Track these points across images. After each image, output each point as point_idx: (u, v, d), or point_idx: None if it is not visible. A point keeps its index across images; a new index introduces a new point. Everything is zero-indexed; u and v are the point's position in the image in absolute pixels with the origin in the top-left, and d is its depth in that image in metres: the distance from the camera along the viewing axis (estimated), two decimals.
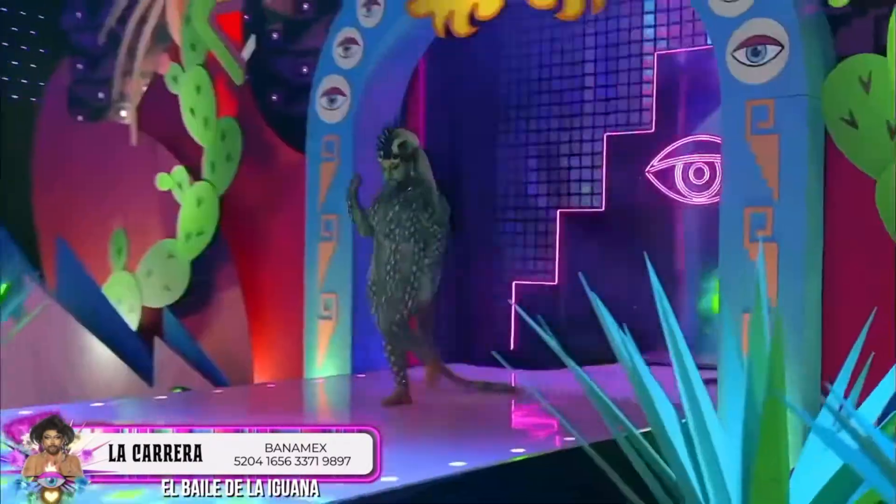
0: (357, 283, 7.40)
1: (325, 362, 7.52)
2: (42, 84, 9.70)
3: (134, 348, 7.86)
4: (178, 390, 7.34)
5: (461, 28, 6.87)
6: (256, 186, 8.11)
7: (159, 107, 8.62)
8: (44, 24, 9.74)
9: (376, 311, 6.08)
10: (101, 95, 9.43)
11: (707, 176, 8.16)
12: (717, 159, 7.47)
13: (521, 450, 4.77)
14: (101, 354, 7.75)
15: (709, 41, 5.95)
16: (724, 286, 5.82)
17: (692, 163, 8.32)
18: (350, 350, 7.41)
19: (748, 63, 5.69)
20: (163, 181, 8.24)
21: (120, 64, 8.82)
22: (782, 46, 5.58)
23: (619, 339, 3.31)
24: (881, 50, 5.28)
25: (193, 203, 8.08)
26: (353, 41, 7.41)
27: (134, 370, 7.72)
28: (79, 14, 9.57)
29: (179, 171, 8.18)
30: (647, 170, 8.48)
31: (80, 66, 9.57)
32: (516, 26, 8.48)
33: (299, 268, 7.73)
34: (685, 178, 8.35)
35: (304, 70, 8.07)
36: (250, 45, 7.91)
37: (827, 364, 5.55)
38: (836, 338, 5.46)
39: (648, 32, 8.35)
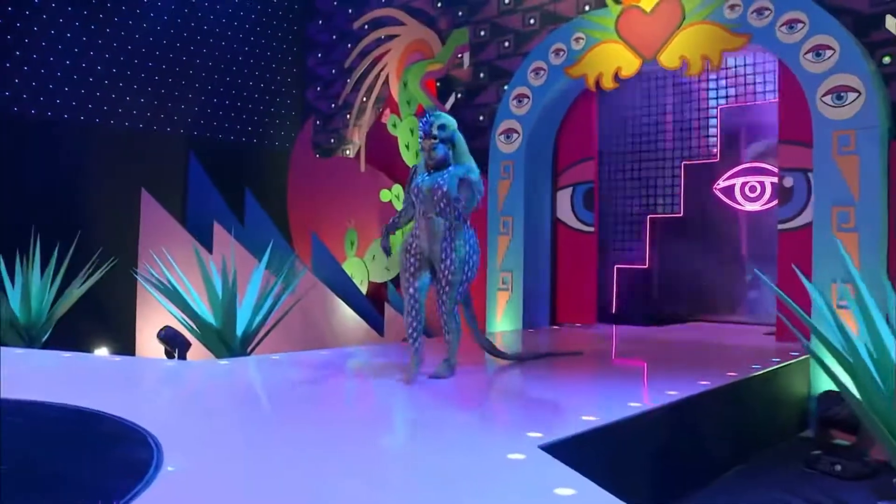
0: (526, 265, 7.64)
1: (502, 320, 7.75)
2: (293, 135, 10.12)
3: (368, 310, 8.10)
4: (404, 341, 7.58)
5: (608, 84, 7.04)
6: None
7: (376, 145, 8.95)
8: (294, 96, 10.18)
9: (416, 279, 4.40)
10: (332, 140, 9.83)
11: (758, 191, 8.27)
12: (766, 179, 7.58)
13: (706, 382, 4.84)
14: (346, 313, 8.00)
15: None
16: (816, 264, 5.85)
17: (747, 182, 8.45)
18: (521, 311, 7.62)
19: (833, 105, 5.79)
20: (384, 195, 8.50)
21: (351, 119, 9.18)
22: (860, 93, 5.67)
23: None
24: None
25: None
26: (524, 96, 7.64)
27: (369, 325, 7.97)
28: (318, 88, 10.02)
29: (397, 187, 8.43)
30: (714, 187, 8.63)
31: (318, 122, 9.98)
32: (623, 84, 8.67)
33: (481, 254, 7.93)
34: (742, 193, 8.48)
35: (481, 118, 8.34)
36: (451, 100, 8.17)
37: None
38: None
39: (712, 93, 8.49)
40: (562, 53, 7.35)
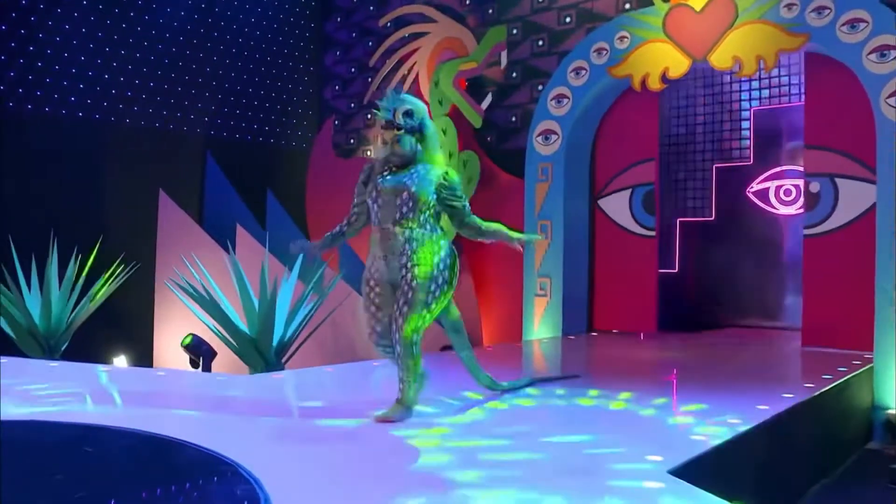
0: (565, 270, 7.47)
1: (540, 328, 7.57)
2: (311, 136, 9.87)
3: None
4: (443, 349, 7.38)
5: (654, 85, 6.88)
6: (478, 200, 8.16)
7: None
8: (311, 95, 9.94)
9: (381, 315, 3.51)
10: (351, 141, 9.61)
11: (794, 195, 8.18)
12: (800, 182, 7.51)
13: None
14: None
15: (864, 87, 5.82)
16: (879, 266, 5.72)
17: (782, 185, 8.35)
18: (561, 318, 7.45)
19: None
20: None
21: (373, 118, 8.94)
22: None
23: None
24: None
25: None
26: (564, 96, 7.46)
27: None
28: (336, 87, 9.80)
29: None
30: (747, 190, 8.53)
31: (337, 121, 9.75)
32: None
33: (515, 259, 7.77)
34: (777, 196, 8.40)
35: (513, 118, 8.16)
36: (488, 100, 7.97)
37: None
38: None
39: (745, 94, 8.39)
40: (604, 53, 7.19)
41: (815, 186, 6.64)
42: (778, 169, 8.35)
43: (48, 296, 6.90)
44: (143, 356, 8.34)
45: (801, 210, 7.34)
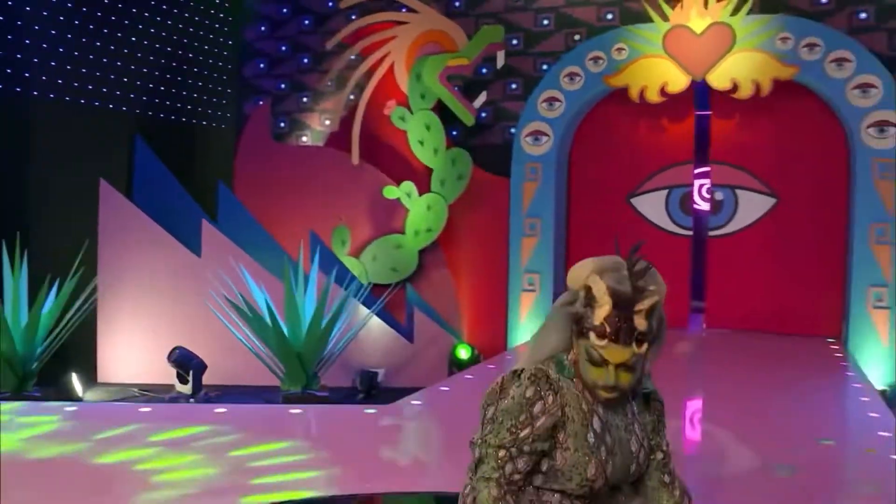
0: (556, 266, 7.96)
1: (526, 322, 8.00)
2: (230, 115, 9.12)
3: (387, 316, 7.74)
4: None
5: (652, 97, 7.54)
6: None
7: (369, 136, 8.51)
8: (230, 72, 9.15)
9: None
10: (282, 125, 9.12)
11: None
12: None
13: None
14: (371, 323, 7.47)
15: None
16: (856, 274, 6.99)
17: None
18: None
19: (875, 136, 6.94)
20: (389, 192, 8.13)
21: (337, 105, 8.59)
22: None
23: None
24: None
25: (423, 208, 8.10)
26: (555, 99, 7.85)
27: (398, 333, 7.69)
28: (262, 65, 9.16)
29: (407, 184, 8.10)
30: None
31: (261, 102, 9.14)
32: None
33: (497, 254, 8.10)
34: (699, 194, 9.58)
35: (483, 115, 8.36)
36: (482, 97, 8.06)
37: None
38: None
39: None
40: (601, 62, 7.70)
41: (719, 195, 7.92)
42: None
43: (33, 317, 5.91)
44: (87, 372, 7.38)
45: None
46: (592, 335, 1.89)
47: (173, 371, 6.99)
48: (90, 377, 7.42)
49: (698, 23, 7.37)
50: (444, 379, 6.94)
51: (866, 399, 5.18)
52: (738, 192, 7.93)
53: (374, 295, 7.56)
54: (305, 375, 6.30)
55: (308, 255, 7.06)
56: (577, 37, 8.02)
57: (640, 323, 1.87)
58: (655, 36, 7.50)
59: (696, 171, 9.31)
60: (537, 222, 7.95)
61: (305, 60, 9.06)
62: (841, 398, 5.50)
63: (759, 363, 6.39)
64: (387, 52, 8.28)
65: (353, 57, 8.45)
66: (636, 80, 7.56)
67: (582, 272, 1.98)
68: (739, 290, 7.84)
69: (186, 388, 6.85)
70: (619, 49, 7.64)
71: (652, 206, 8.00)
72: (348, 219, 8.48)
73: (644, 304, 1.88)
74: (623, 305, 1.88)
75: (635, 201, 8.01)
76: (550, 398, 1.92)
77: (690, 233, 8.00)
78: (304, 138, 9.06)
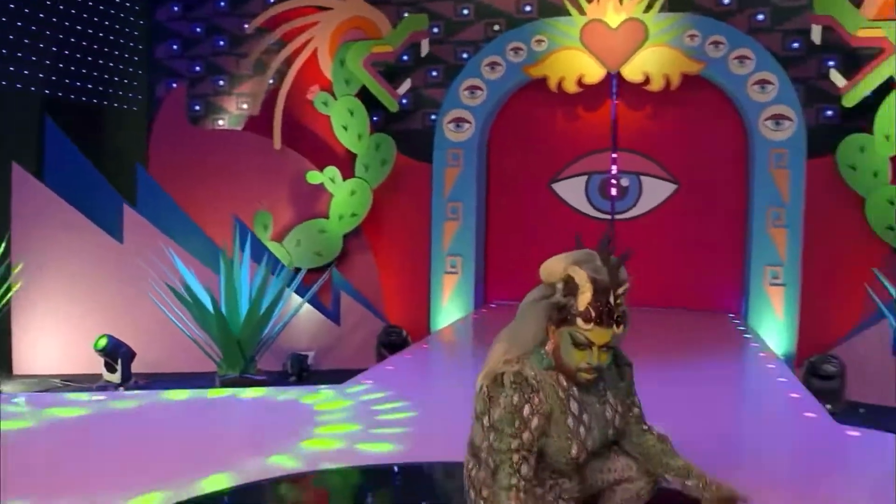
0: (477, 249, 8.26)
1: (448, 304, 8.28)
2: (140, 97, 8.89)
3: (314, 300, 7.80)
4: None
5: (570, 88, 7.92)
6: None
7: (289, 120, 8.52)
8: (141, 53, 8.91)
9: None
10: (196, 108, 8.98)
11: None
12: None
13: None
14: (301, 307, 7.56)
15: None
16: (754, 254, 7.63)
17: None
18: (472, 293, 8.25)
19: (772, 128, 7.57)
20: (313, 177, 8.18)
21: (257, 90, 8.54)
22: (793, 120, 7.53)
23: None
24: (870, 131, 7.33)
25: (347, 193, 8.19)
26: (477, 87, 8.12)
27: (325, 316, 7.78)
28: (175, 46, 8.98)
29: (331, 169, 8.17)
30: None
31: (174, 85, 8.96)
32: None
33: (419, 238, 8.32)
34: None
35: (404, 101, 8.53)
36: (406, 84, 8.19)
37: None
38: (812, 279, 7.65)
39: None
40: (521, 52, 8.02)
41: (625, 181, 8.45)
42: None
43: None
44: (1, 362, 7.12)
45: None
46: (579, 320, 2.15)
47: (98, 360, 6.88)
48: (5, 368, 7.18)
49: (614, 17, 7.80)
50: (372, 361, 7.13)
51: (772, 366, 5.74)
52: (643, 178, 8.45)
53: (304, 283, 7.65)
54: (244, 360, 6.33)
55: (234, 240, 7.08)
56: (496, 27, 8.30)
57: (618, 306, 2.16)
58: (573, 29, 7.88)
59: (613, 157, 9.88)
60: (459, 206, 8.23)
61: (221, 43, 8.95)
62: (751, 367, 6.04)
63: (669, 337, 6.87)
64: (310, 37, 8.31)
65: (273, 42, 8.43)
66: (555, 71, 7.92)
67: (557, 266, 2.25)
68: (647, 270, 8.36)
69: (115, 377, 6.75)
70: (539, 41, 7.98)
71: (572, 190, 8.37)
72: (271, 203, 8.49)
73: (620, 290, 2.17)
74: (602, 291, 2.15)
75: (556, 186, 8.38)
76: (536, 399, 2.17)
77: (609, 216, 8.44)
78: (221, 122, 8.97)
